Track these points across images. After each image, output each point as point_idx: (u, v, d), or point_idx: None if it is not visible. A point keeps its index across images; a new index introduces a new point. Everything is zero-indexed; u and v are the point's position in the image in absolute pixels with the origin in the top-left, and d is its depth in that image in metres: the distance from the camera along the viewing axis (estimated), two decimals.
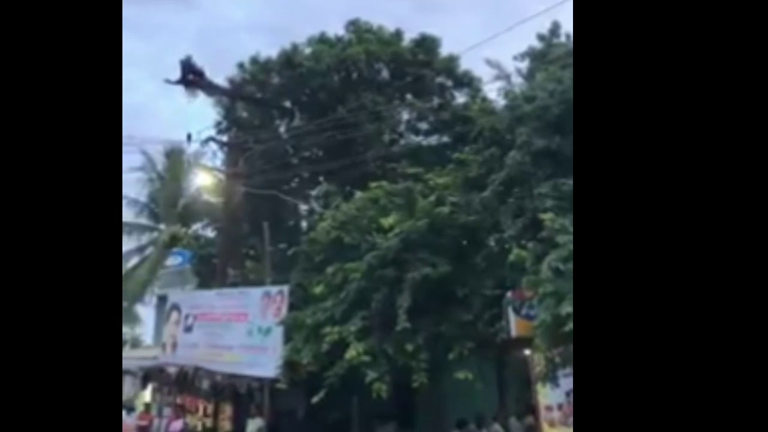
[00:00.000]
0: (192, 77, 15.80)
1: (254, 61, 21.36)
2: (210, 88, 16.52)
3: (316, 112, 19.08)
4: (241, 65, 21.56)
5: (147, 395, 17.82)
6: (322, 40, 20.81)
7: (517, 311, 10.05)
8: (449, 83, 20.28)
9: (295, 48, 20.78)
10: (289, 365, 12.32)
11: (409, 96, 20.20)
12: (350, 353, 10.78)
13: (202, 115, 40.71)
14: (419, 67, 19.66)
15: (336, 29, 21.42)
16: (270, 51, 21.60)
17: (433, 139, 19.55)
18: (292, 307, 13.35)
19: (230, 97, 17.03)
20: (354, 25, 20.93)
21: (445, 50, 20.43)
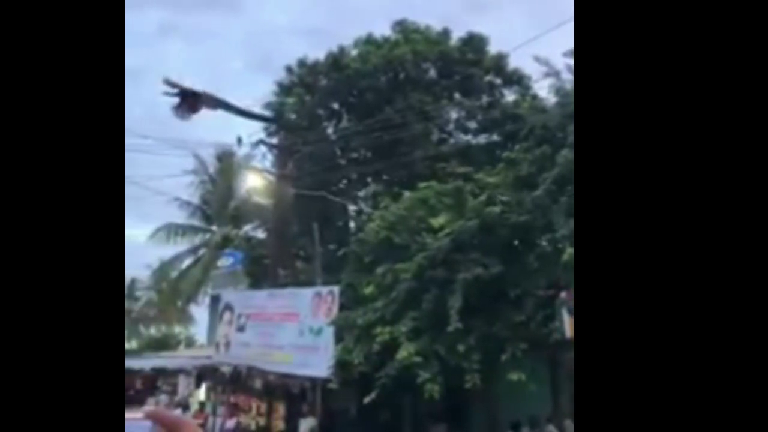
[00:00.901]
0: (189, 98, 14.96)
1: (302, 63, 21.60)
2: (210, 102, 15.44)
3: (364, 113, 19.15)
4: (288, 68, 21.84)
5: (201, 394, 18.18)
6: (368, 41, 20.89)
7: (571, 312, 9.88)
8: (498, 81, 20.11)
9: (341, 50, 20.93)
10: (341, 365, 12.39)
11: (457, 95, 20.11)
12: (402, 354, 10.78)
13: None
14: (467, 65, 19.54)
15: (382, 30, 21.48)
16: (317, 53, 21.80)
17: (483, 138, 19.42)
18: (342, 307, 13.42)
19: (240, 115, 16.19)
20: (401, 26, 20.95)
21: (493, 48, 20.28)
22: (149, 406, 19.94)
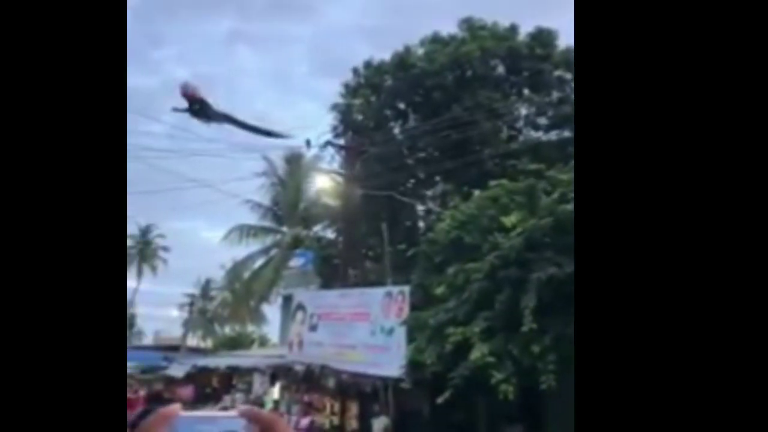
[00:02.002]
0: (197, 106, 14.65)
1: (368, 64, 21.76)
2: (216, 114, 15.04)
3: (431, 112, 19.10)
4: (355, 70, 22.03)
5: (275, 392, 18.52)
6: (435, 39, 20.83)
7: None
8: (568, 76, 19.67)
9: (407, 49, 20.95)
10: (413, 365, 12.38)
11: (526, 91, 19.81)
12: (475, 354, 10.68)
13: (320, 120, 41.99)
14: (537, 61, 19.22)
15: (449, 28, 21.36)
16: (383, 54, 21.90)
17: (554, 134, 19.04)
18: (413, 307, 13.42)
19: (253, 131, 15.80)
20: (467, 23, 20.80)
21: (562, 42, 19.86)
22: (225, 403, 20.49)
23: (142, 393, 21.84)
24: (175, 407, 0.84)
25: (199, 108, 14.61)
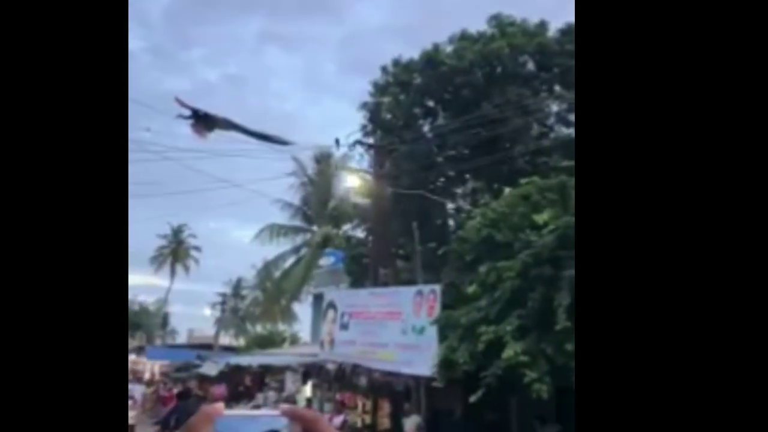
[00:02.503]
0: (200, 116, 14.91)
1: (396, 63, 21.74)
2: (219, 121, 15.22)
3: (460, 110, 19.02)
4: (384, 68, 22.04)
5: (308, 391, 18.64)
6: (463, 36, 20.73)
7: None
8: None
9: (436, 47, 20.88)
10: (445, 364, 12.34)
11: (557, 87, 19.59)
12: (507, 353, 10.61)
13: (348, 119, 42.10)
14: (567, 57, 18.98)
15: (477, 25, 21.24)
16: (411, 52, 21.85)
17: None
18: (444, 306, 13.38)
19: (253, 136, 16.02)
20: (496, 20, 20.66)
21: None
22: (258, 401, 20.68)
23: (175, 390, 22.10)
24: (219, 406, 0.85)
25: (201, 116, 14.92)
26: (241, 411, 0.81)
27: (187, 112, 14.70)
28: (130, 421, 22.19)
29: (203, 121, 14.92)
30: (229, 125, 15.54)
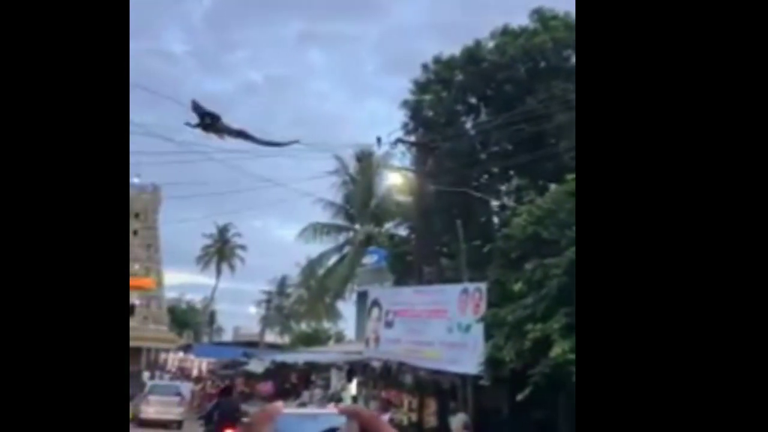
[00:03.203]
0: (208, 120, 15.28)
1: (437, 60, 21.64)
2: (226, 129, 15.70)
3: (503, 106, 18.85)
4: (425, 66, 21.96)
5: (353, 388, 18.75)
6: (505, 32, 20.52)
7: None
8: None
9: (477, 43, 20.72)
10: (492, 362, 12.28)
11: None
12: (555, 351, 10.51)
13: (389, 118, 42.13)
14: None
15: (519, 20, 21.01)
16: (452, 49, 21.73)
17: None
18: (490, 304, 13.31)
19: (259, 143, 16.54)
20: (538, 14, 20.39)
21: None
22: (304, 399, 20.90)
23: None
24: (279, 405, 0.86)
25: (210, 123, 15.30)
26: (300, 410, 0.83)
27: (195, 120, 15.19)
28: (179, 417, 22.79)
29: (211, 128, 15.37)
30: (236, 133, 16.02)
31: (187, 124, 15.33)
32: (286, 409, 0.86)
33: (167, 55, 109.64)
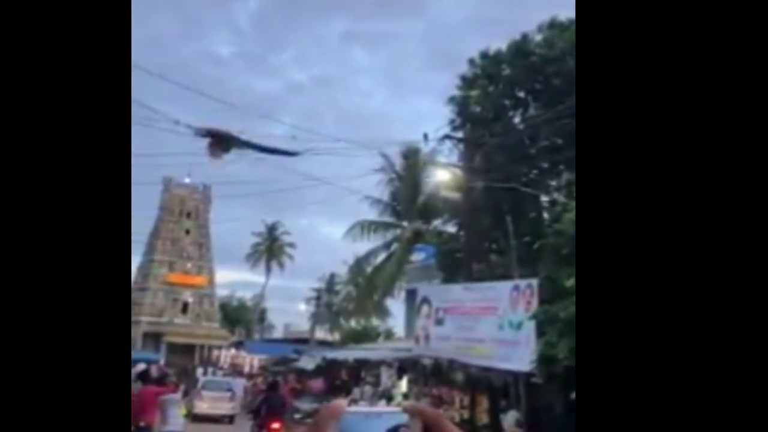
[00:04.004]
0: (218, 137, 16.25)
1: (484, 55, 21.45)
2: (235, 141, 16.63)
3: (552, 100, 18.56)
4: (471, 61, 21.80)
5: (403, 386, 18.79)
6: (553, 25, 20.22)
7: None
8: None
9: (525, 37, 20.47)
10: (544, 360, 12.14)
11: None
12: None
13: (434, 114, 42.01)
14: None
15: (567, 12, 20.66)
16: (499, 44, 21.50)
17: None
18: (542, 300, 13.16)
19: (261, 151, 17.56)
20: None
21: None
22: (355, 396, 21.05)
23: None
24: (343, 403, 0.87)
25: (219, 139, 16.28)
26: (364, 408, 0.84)
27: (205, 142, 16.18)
28: (230, 412, 23.37)
29: (219, 143, 16.24)
30: (244, 144, 16.79)
31: (198, 133, 16.20)
32: (351, 408, 0.87)
33: (216, 57, 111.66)
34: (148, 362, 29.03)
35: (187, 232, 54.30)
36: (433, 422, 0.85)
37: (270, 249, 58.89)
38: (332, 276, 49.80)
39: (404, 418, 0.83)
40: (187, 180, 52.84)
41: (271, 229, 59.15)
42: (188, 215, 54.54)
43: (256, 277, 60.76)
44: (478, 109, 21.06)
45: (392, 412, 0.83)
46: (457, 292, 16.70)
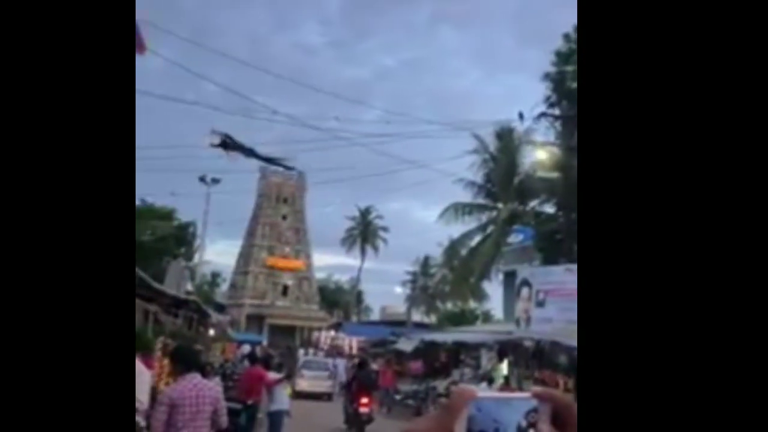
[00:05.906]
0: (228, 143, 18.40)
1: None
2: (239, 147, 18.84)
3: None
4: (566, 36, 21.17)
5: (504, 368, 18.68)
6: None
7: None
8: None
9: None
10: None
11: None
12: None
13: (527, 92, 41.09)
14: None
15: None
16: None
17: None
18: None
19: (263, 160, 19.82)
20: None
21: None
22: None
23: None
24: (473, 389, 0.88)
25: (228, 143, 18.65)
26: (493, 393, 0.84)
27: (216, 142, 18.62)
28: (329, 390, 25.22)
29: (229, 147, 18.67)
30: (246, 152, 19.30)
31: (212, 144, 18.74)
32: (481, 393, 0.88)
33: (308, 47, 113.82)
34: (253, 344, 30.35)
35: (284, 217, 56.02)
36: (564, 409, 0.84)
37: (364, 233, 59.79)
38: (426, 259, 50.00)
39: (533, 403, 0.84)
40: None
41: (364, 214, 60.01)
42: (285, 201, 56.24)
43: (352, 260, 61.93)
44: (574, 85, 20.44)
45: (523, 398, 0.83)
46: (558, 273, 16.38)
